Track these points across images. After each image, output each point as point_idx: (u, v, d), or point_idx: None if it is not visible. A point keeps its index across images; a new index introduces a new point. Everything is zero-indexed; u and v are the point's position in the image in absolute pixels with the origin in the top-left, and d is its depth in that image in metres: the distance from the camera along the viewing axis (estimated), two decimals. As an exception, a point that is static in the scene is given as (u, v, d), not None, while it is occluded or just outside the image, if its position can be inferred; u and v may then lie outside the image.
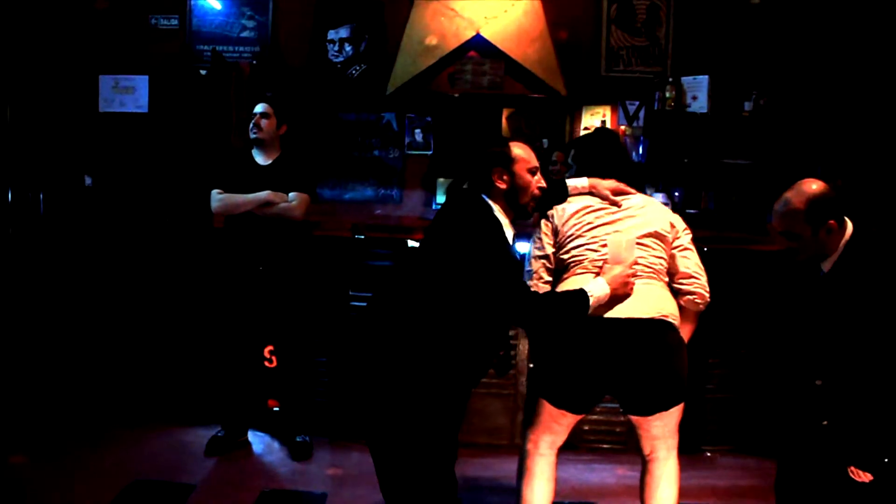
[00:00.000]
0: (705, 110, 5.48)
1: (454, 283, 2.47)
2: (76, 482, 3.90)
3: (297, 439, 4.35)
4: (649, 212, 3.02)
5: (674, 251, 2.99)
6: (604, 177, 3.06)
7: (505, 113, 5.85)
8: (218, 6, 5.71)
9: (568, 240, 2.95)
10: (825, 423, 2.71)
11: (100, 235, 4.97)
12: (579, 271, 2.88)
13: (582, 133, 3.37)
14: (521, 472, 3.10)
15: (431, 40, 5.59)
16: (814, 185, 2.63)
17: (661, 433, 2.96)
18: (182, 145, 5.28)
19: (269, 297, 4.23)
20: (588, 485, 4.08)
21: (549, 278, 2.98)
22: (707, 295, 2.97)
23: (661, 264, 2.93)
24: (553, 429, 3.00)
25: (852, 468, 2.58)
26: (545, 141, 5.82)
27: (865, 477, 2.56)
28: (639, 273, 2.84)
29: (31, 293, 4.95)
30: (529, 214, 2.81)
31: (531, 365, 4.45)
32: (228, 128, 5.17)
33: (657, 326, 2.79)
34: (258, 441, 4.52)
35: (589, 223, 2.95)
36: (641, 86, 5.66)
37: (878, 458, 2.54)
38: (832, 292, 2.65)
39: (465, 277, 2.47)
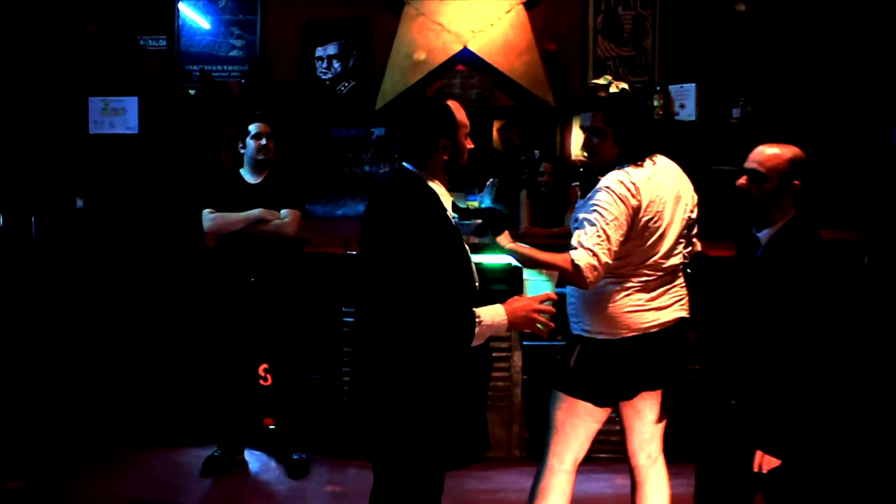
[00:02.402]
0: (693, 118, 5.51)
1: (377, 273, 2.32)
2: (73, 503, 3.89)
3: (294, 457, 4.34)
4: (688, 191, 2.92)
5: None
6: (640, 144, 2.85)
7: (496, 125, 5.88)
8: (206, 26, 5.73)
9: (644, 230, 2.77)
10: (733, 402, 2.69)
11: (92, 257, 4.96)
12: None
13: (606, 90, 3.02)
14: (538, 489, 3.00)
15: (419, 55, 5.62)
16: (801, 152, 2.68)
17: (651, 411, 3.00)
18: (173, 165, 5.29)
19: (263, 315, 4.22)
20: (587, 495, 4.06)
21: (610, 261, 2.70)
22: None
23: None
24: (588, 431, 2.96)
25: (759, 452, 2.55)
26: (537, 152, 5.85)
27: (770, 463, 2.54)
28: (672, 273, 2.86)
29: (24, 316, 4.94)
30: (464, 175, 2.55)
31: (524, 376, 4.45)
32: (218, 147, 5.18)
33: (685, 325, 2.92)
34: (255, 460, 4.50)
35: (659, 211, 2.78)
36: (629, 95, 5.69)
37: (785, 443, 2.52)
38: (763, 270, 2.65)
39: (381, 266, 2.30)
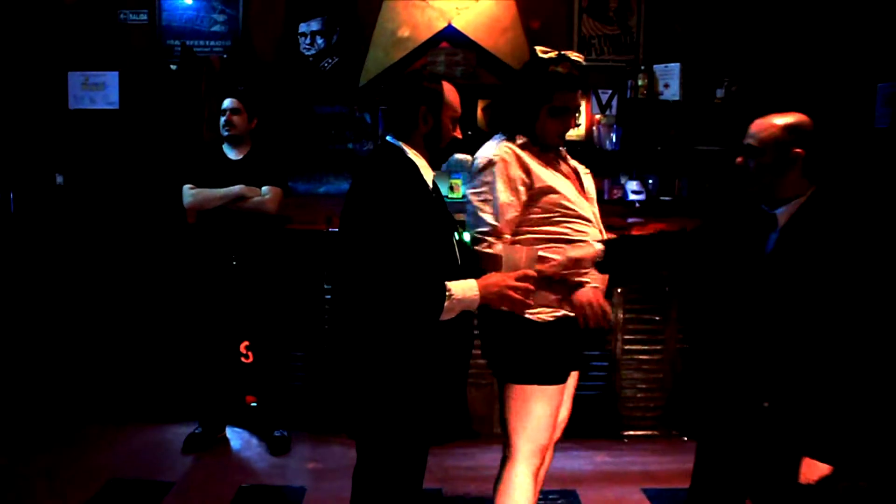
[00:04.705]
0: (678, 98, 5.50)
1: (353, 246, 2.31)
2: (53, 482, 3.87)
3: (275, 434, 4.35)
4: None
5: None
6: None
7: (480, 104, 5.85)
8: (188, 0, 5.66)
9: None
10: (766, 404, 2.44)
11: (72, 234, 4.92)
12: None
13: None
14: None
15: (403, 32, 5.58)
16: (802, 117, 2.44)
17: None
18: (154, 141, 5.23)
19: (244, 292, 4.21)
20: (567, 472, 4.10)
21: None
22: None
23: None
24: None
25: (807, 460, 2.33)
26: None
27: (818, 472, 2.33)
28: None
29: (3, 293, 4.90)
30: (444, 159, 2.54)
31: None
32: (200, 123, 5.13)
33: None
34: (236, 437, 4.51)
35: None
36: (614, 74, 5.68)
37: (836, 448, 2.30)
38: (786, 256, 2.39)
39: (356, 238, 2.30)
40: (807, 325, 2.31)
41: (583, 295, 2.62)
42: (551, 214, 2.69)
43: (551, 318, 2.70)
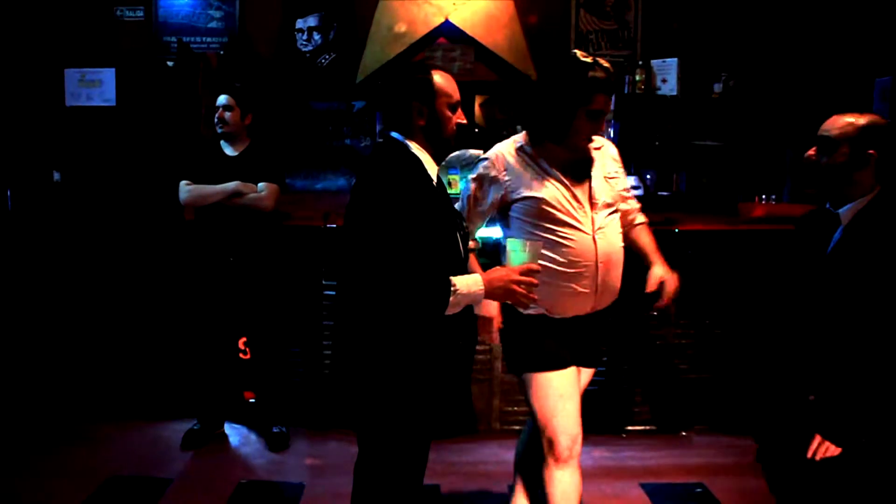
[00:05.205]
0: (675, 93, 5.50)
1: (358, 242, 2.30)
2: (52, 479, 3.86)
3: (274, 430, 4.34)
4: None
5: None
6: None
7: (478, 100, 5.85)
8: (184, -3, 5.66)
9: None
10: (812, 397, 2.44)
11: (70, 231, 4.91)
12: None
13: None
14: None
15: (400, 27, 5.58)
16: (876, 118, 2.44)
17: None
18: (151, 138, 5.23)
19: (242, 289, 4.21)
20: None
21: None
22: None
23: None
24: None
25: (818, 437, 2.33)
26: (519, 126, 5.82)
27: (828, 451, 2.31)
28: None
29: (1, 291, 4.89)
30: (451, 148, 2.55)
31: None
32: (197, 119, 5.13)
33: None
34: (234, 433, 4.50)
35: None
36: (611, 69, 5.67)
37: (851, 434, 2.30)
38: (848, 254, 2.39)
39: (361, 235, 2.29)
40: (859, 323, 2.31)
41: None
42: (537, 218, 2.77)
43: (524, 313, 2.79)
